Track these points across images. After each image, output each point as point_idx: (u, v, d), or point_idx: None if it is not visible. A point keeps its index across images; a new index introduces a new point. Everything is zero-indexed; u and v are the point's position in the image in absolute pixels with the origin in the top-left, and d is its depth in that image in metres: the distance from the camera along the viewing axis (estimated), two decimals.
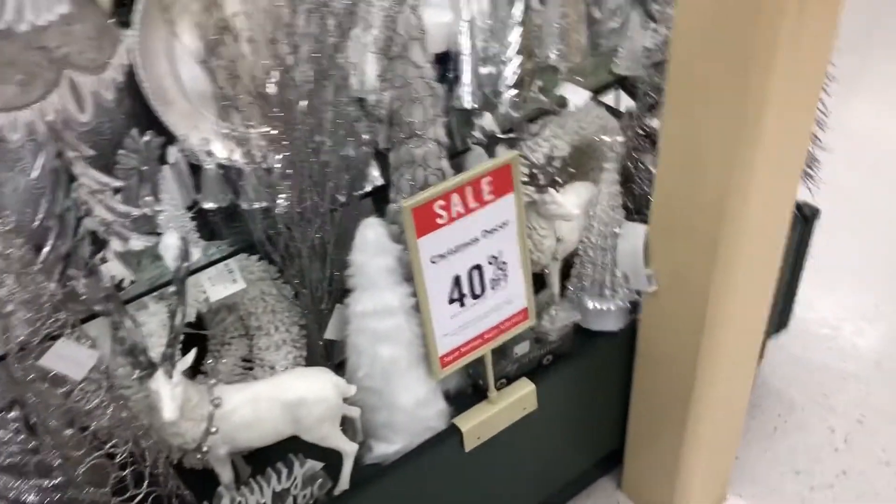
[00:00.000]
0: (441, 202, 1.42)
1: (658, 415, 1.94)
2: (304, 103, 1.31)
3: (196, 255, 1.47)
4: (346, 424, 1.58)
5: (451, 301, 1.53)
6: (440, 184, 1.41)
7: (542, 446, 1.91)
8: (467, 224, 1.48)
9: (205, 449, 1.40)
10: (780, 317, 2.36)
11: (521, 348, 1.74)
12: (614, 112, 2.10)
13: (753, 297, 1.75)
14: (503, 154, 1.57)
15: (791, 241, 2.16)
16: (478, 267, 1.54)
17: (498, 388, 1.73)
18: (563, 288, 1.88)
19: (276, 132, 1.34)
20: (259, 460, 1.56)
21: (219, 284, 1.52)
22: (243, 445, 1.46)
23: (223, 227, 1.59)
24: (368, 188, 1.58)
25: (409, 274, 1.48)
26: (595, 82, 1.99)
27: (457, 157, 1.71)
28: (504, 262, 1.57)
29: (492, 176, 1.47)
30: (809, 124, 1.58)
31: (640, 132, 2.02)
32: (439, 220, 1.44)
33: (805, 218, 2.14)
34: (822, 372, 2.48)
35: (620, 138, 1.95)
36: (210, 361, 1.71)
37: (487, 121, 1.64)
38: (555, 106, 1.63)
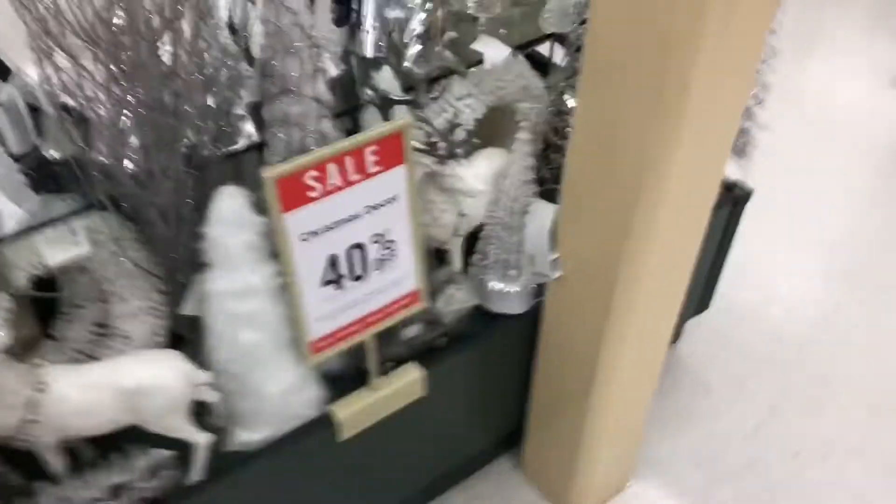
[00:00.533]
0: (314, 173, 1.23)
1: (560, 399, 1.82)
2: (144, 45, 1.09)
3: (28, 212, 1.26)
4: (206, 408, 1.42)
5: (326, 282, 1.35)
6: (312, 153, 1.22)
7: (433, 431, 1.78)
8: (347, 198, 1.30)
9: (25, 437, 1.22)
10: (701, 298, 2.25)
11: (412, 331, 1.58)
12: (544, 68, 1.91)
13: (665, 286, 1.62)
14: (397, 118, 1.39)
15: (719, 221, 2.03)
16: (359, 246, 1.36)
17: (384, 373, 1.58)
18: (467, 264, 1.72)
19: (112, 77, 1.12)
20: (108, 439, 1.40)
21: (57, 247, 1.32)
22: (75, 434, 1.29)
23: (71, 179, 1.38)
24: (241, 145, 1.38)
25: (276, 250, 1.30)
26: (522, 36, 1.79)
27: (351, 114, 1.52)
28: (391, 241, 1.40)
29: (378, 145, 1.28)
30: (741, 102, 1.41)
31: (568, 96, 1.83)
32: (311, 194, 1.25)
33: (736, 199, 2.00)
34: (741, 355, 2.39)
35: (541, 103, 1.76)
36: (59, 327, 1.52)
37: (386, 76, 1.44)
38: (462, 65, 1.43)
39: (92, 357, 1.48)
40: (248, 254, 1.28)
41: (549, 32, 1.69)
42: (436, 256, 1.73)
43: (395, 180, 1.34)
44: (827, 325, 2.46)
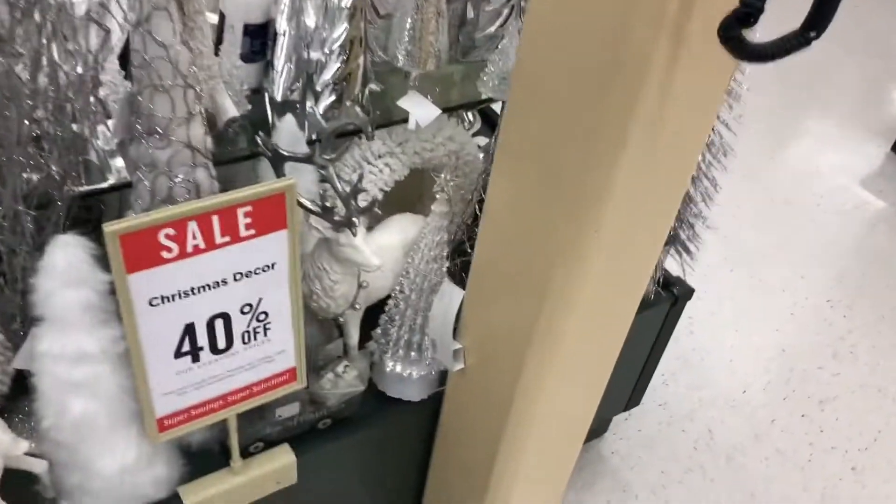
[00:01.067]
0: (169, 231, 1.06)
1: (454, 498, 1.65)
2: None
3: None
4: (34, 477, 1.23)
5: (180, 354, 1.17)
6: (168, 209, 1.05)
7: None
8: (211, 262, 1.12)
9: None
10: (632, 394, 2.09)
11: (288, 410, 1.40)
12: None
13: (576, 392, 1.45)
14: (292, 174, 1.23)
15: (655, 319, 1.88)
16: (224, 315, 1.18)
17: (252, 452, 1.40)
18: (367, 338, 1.55)
19: None
20: None
21: None
22: None
23: None
24: (103, 185, 1.20)
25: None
26: (462, 96, 1.64)
27: (248, 160, 1.35)
28: (265, 313, 1.22)
29: (253, 206, 1.11)
30: (674, 199, 1.26)
31: None
32: (166, 254, 1.07)
33: (675, 297, 1.86)
34: (667, 459, 2.22)
35: (474, 170, 1.62)
36: None
37: (289, 126, 1.28)
38: (370, 126, 1.27)
39: None
40: (84, 314, 1.10)
41: (485, 97, 1.54)
42: (336, 327, 1.56)
43: (274, 246, 1.17)
44: (761, 439, 2.31)
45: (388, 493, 1.70)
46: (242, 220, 1.11)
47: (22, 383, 1.30)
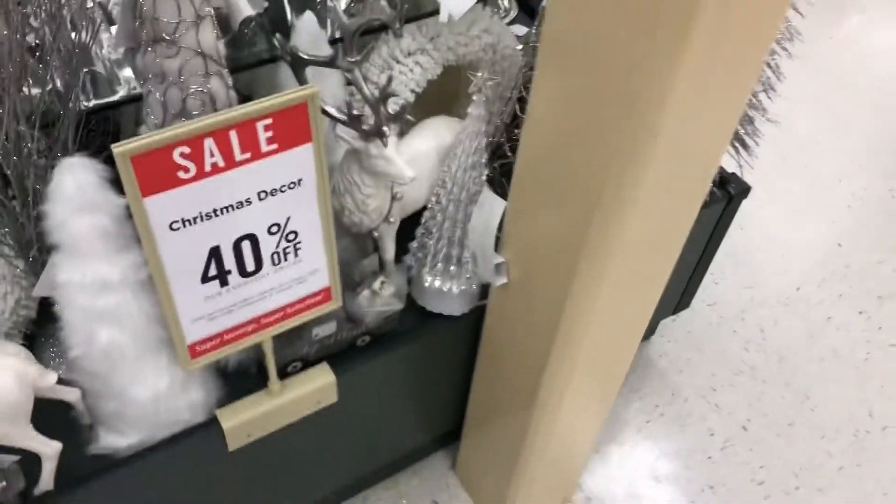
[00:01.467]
0: (184, 150, 0.97)
1: (499, 410, 1.60)
2: None
3: None
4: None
5: (207, 279, 1.10)
6: (181, 126, 0.95)
7: (352, 434, 1.56)
8: (233, 181, 1.03)
9: None
10: (681, 297, 2.00)
11: (325, 329, 1.34)
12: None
13: (630, 301, 1.37)
14: (314, 80, 1.12)
15: (709, 219, 1.77)
16: (250, 237, 1.10)
17: (290, 373, 1.36)
18: (403, 252, 1.47)
19: None
20: None
21: None
22: None
23: None
24: (114, 99, 1.11)
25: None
26: None
27: (267, 65, 1.24)
28: (294, 232, 1.14)
29: (273, 119, 1.01)
30: (740, 101, 1.13)
31: None
32: (183, 175, 0.99)
33: (730, 196, 1.74)
34: (717, 361, 2.16)
35: (514, 65, 1.48)
36: None
37: (309, 25, 1.16)
38: (396, 21, 1.15)
39: None
40: (100, 241, 1.03)
41: None
42: (371, 241, 1.48)
43: (299, 161, 1.07)
44: (815, 338, 2.22)
45: (430, 408, 1.67)
46: (263, 135, 1.02)
47: (50, 309, 1.26)
